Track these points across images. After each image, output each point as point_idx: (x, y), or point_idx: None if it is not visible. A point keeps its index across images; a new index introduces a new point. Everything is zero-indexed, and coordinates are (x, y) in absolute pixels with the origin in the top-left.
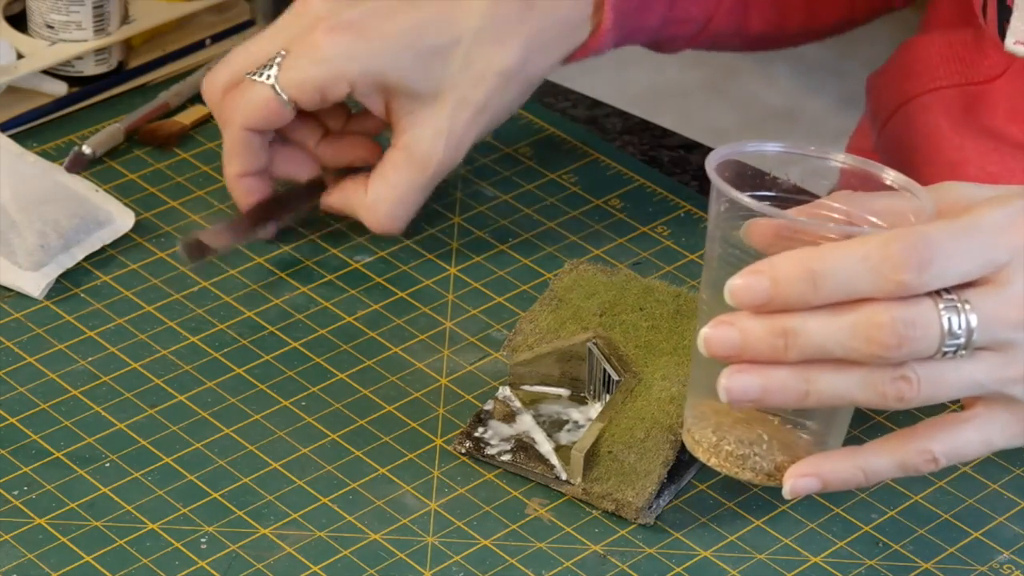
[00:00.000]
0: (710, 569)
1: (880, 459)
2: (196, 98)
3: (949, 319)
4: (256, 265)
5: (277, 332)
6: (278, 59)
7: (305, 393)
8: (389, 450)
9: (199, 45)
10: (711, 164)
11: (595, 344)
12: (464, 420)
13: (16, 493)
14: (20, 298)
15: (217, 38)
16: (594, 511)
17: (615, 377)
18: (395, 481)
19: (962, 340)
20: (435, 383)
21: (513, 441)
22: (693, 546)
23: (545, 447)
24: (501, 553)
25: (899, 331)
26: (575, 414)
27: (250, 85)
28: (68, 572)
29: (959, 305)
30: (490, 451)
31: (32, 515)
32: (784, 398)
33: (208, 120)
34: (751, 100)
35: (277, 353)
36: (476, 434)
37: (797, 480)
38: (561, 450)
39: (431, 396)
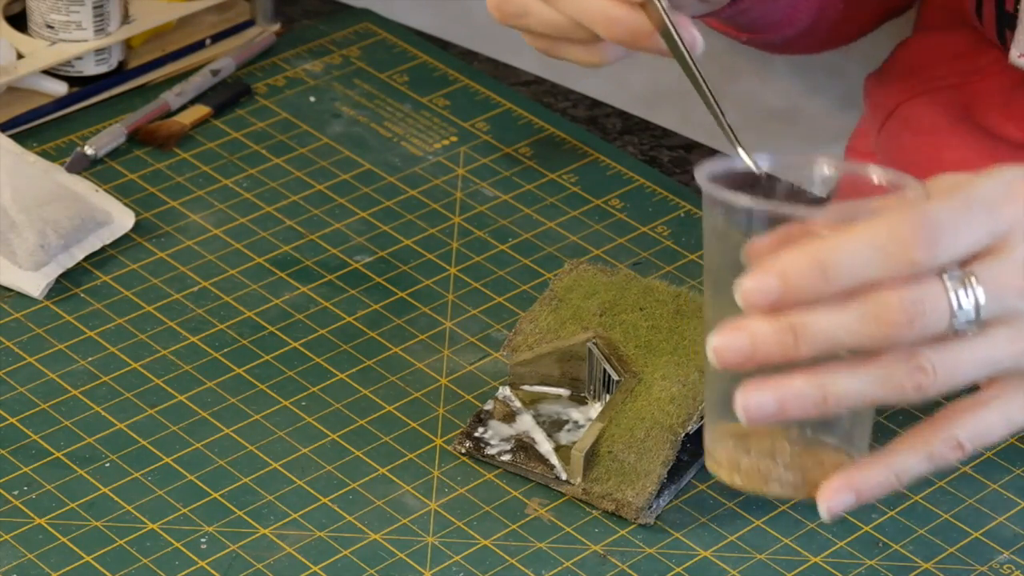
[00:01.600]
0: (710, 569)
1: (908, 457)
2: (196, 98)
3: (956, 292)
4: (256, 265)
5: (277, 332)
6: None
7: (305, 393)
8: (389, 450)
9: (199, 45)
10: (703, 174)
11: (595, 344)
12: (464, 420)
13: (16, 493)
14: (20, 298)
15: (217, 38)
16: (594, 511)
17: (615, 377)
18: (395, 481)
19: (971, 313)
20: (435, 383)
21: (513, 441)
22: (693, 546)
23: (545, 447)
24: (501, 553)
25: (908, 308)
26: (575, 414)
27: None
28: (68, 572)
29: (964, 278)
30: (490, 451)
31: (32, 515)
32: (803, 408)
33: (208, 120)
34: (751, 100)
35: (277, 353)
36: (476, 434)
37: (832, 499)
38: (561, 450)
39: (431, 396)
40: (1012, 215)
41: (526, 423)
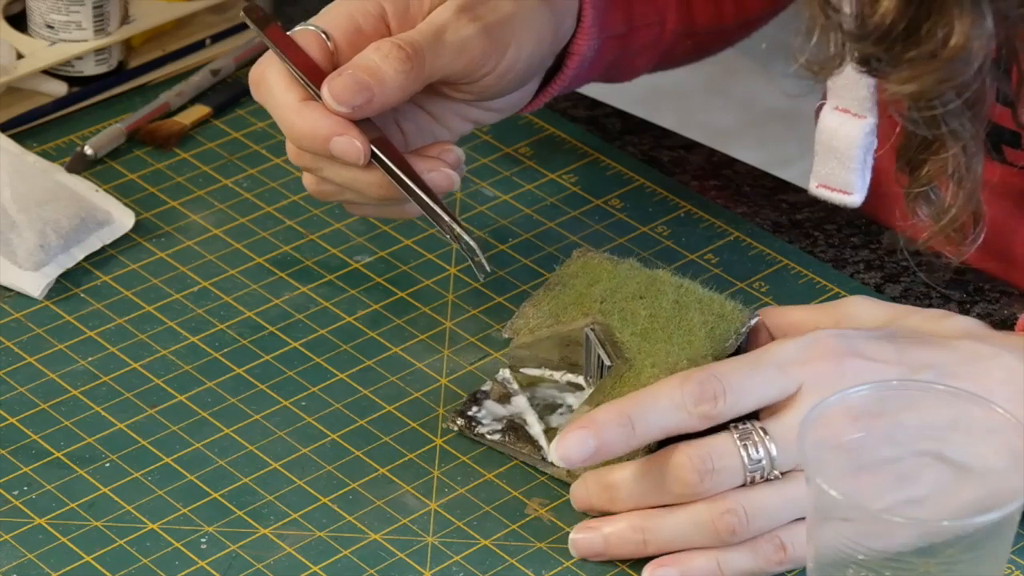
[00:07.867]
0: None
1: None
2: (196, 98)
3: (746, 446)
4: (256, 265)
5: (277, 332)
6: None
7: (305, 393)
8: (389, 450)
9: (199, 45)
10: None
11: (592, 330)
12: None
13: (16, 493)
14: (20, 298)
15: (217, 38)
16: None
17: (607, 363)
18: (395, 481)
19: (764, 464)
20: (435, 383)
21: (504, 422)
22: None
23: (535, 429)
24: (501, 553)
25: (697, 466)
26: (570, 399)
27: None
28: (68, 572)
29: (754, 433)
30: (481, 429)
31: (32, 515)
32: (625, 549)
33: (208, 120)
34: (751, 100)
35: (277, 353)
36: (469, 413)
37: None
38: (550, 432)
39: (431, 396)
40: (802, 374)
41: (520, 405)
